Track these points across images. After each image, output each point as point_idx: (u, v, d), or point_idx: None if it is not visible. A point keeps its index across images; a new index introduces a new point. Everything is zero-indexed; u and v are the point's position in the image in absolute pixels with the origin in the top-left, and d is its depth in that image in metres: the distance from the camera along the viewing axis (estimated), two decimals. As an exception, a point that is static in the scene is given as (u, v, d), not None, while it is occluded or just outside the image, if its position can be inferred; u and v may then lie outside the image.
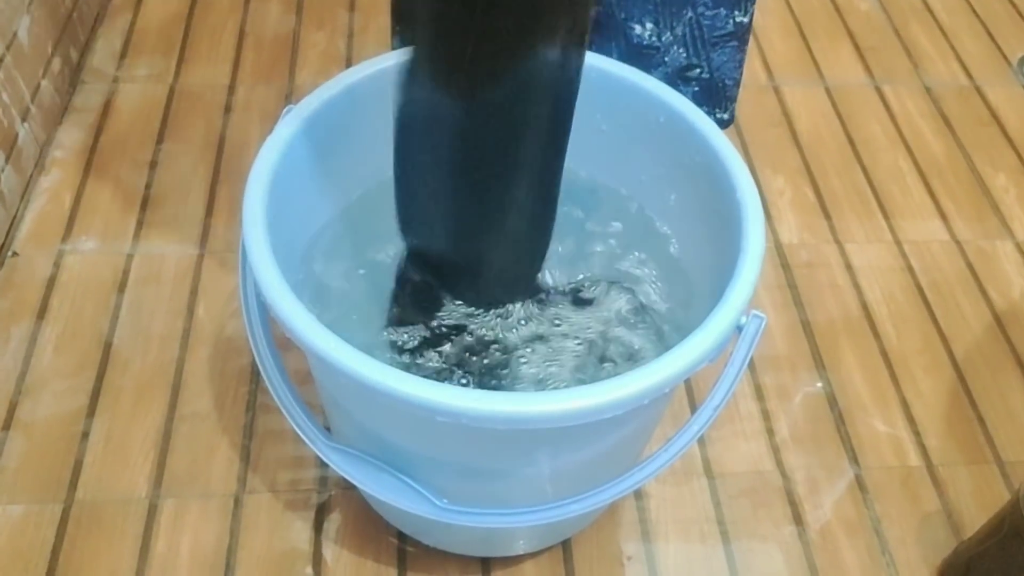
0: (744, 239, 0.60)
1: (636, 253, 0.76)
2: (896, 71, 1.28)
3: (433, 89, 0.58)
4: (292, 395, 0.62)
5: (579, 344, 0.70)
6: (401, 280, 0.72)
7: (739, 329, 0.58)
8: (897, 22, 1.36)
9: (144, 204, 1.02)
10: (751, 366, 0.93)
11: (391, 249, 0.75)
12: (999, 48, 1.34)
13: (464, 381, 0.67)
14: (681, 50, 0.79)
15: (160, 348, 0.89)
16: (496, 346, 0.68)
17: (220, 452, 0.83)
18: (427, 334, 0.68)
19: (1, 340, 0.89)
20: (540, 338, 0.69)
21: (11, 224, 0.98)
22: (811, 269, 1.03)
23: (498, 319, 0.69)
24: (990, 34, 1.36)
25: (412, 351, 0.68)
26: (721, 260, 0.62)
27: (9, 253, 0.96)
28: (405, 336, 0.69)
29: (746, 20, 0.81)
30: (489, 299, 0.69)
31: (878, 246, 1.06)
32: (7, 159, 0.97)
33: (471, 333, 0.68)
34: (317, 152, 0.68)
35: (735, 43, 0.82)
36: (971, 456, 0.88)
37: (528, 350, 0.68)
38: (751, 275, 0.58)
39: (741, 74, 0.85)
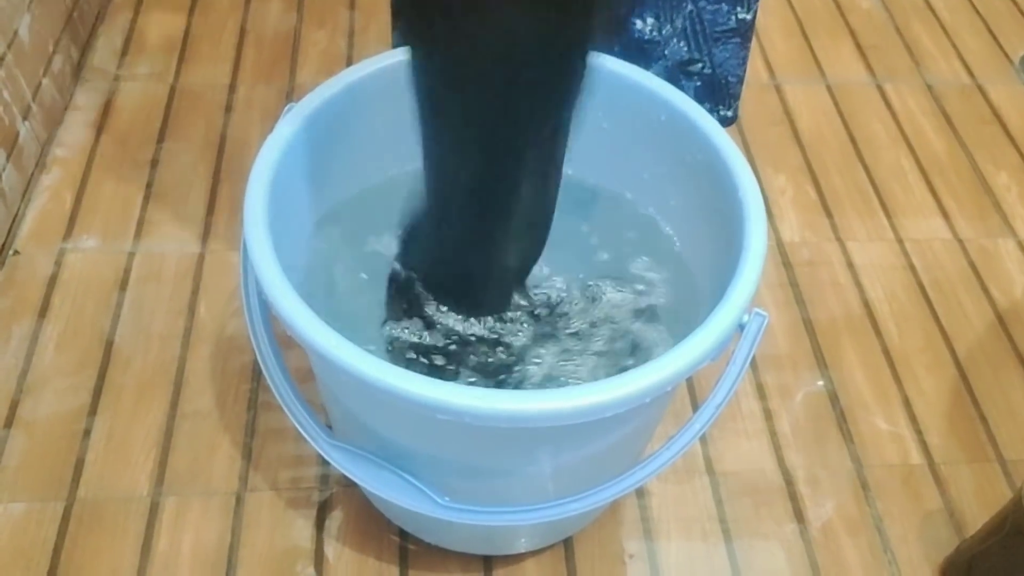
0: (746, 237, 0.60)
1: (637, 251, 0.76)
2: (898, 69, 1.28)
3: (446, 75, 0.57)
4: (293, 393, 0.62)
5: (579, 341, 0.70)
6: (396, 282, 0.72)
7: (741, 327, 0.58)
8: (899, 20, 1.36)
9: (145, 202, 1.02)
10: (753, 365, 0.93)
11: (392, 247, 0.75)
12: (1001, 46, 1.33)
13: (472, 380, 0.67)
14: (682, 44, 0.79)
15: (161, 346, 0.89)
16: (501, 348, 0.68)
17: (222, 450, 0.83)
18: (429, 335, 0.68)
19: (2, 338, 0.89)
20: (545, 338, 0.69)
21: (12, 223, 0.98)
22: (813, 267, 1.03)
23: (499, 322, 0.69)
24: (992, 32, 1.36)
25: (414, 350, 0.68)
26: (723, 258, 0.62)
27: (10, 252, 0.96)
28: (406, 333, 0.69)
29: (749, 17, 0.81)
30: (485, 304, 0.69)
31: (880, 244, 1.06)
32: (8, 157, 0.97)
33: (474, 334, 0.68)
34: (318, 151, 0.68)
35: (738, 40, 0.82)
36: (973, 454, 0.88)
37: (536, 350, 0.68)
38: (753, 273, 0.58)
39: (745, 71, 0.85)
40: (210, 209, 1.02)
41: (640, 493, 0.83)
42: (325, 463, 0.81)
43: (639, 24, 0.78)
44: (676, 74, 0.82)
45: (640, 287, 0.75)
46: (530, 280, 0.71)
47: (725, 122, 0.88)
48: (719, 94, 0.85)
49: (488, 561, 0.78)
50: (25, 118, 1.01)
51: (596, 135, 0.73)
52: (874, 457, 0.87)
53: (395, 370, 0.51)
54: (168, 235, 0.99)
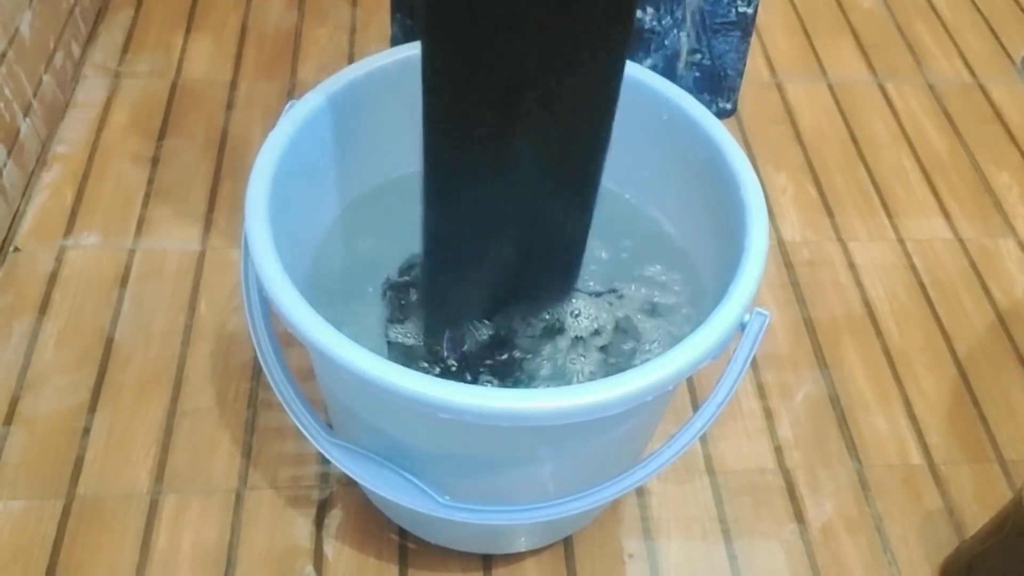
0: (747, 236, 0.60)
1: (637, 250, 0.75)
2: (899, 68, 1.28)
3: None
4: (294, 391, 0.61)
5: (582, 340, 0.70)
6: (396, 286, 0.71)
7: (742, 327, 0.58)
8: (900, 19, 1.36)
9: (146, 200, 1.02)
10: (753, 364, 0.93)
11: (393, 246, 0.75)
12: (1002, 45, 1.33)
13: (489, 380, 0.67)
14: (681, 35, 0.79)
15: (162, 344, 0.89)
16: (511, 347, 0.68)
17: (221, 448, 0.83)
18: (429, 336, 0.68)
19: (3, 335, 0.89)
20: (551, 335, 0.69)
21: (13, 219, 0.98)
22: (813, 267, 1.03)
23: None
24: (993, 31, 1.35)
25: (416, 349, 0.68)
26: (724, 257, 0.62)
27: (11, 248, 0.96)
28: (403, 332, 0.69)
29: (750, 11, 0.80)
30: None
31: (881, 244, 1.06)
32: (9, 154, 0.97)
33: (483, 334, 0.68)
34: (319, 148, 0.67)
35: (738, 33, 0.81)
36: (973, 454, 0.88)
37: (544, 348, 0.68)
38: (754, 272, 0.58)
39: (744, 66, 0.85)
40: (211, 206, 1.02)
41: (640, 492, 0.83)
42: (325, 461, 0.81)
43: (639, 14, 0.77)
44: (674, 65, 0.82)
45: (641, 286, 0.75)
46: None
47: (723, 114, 0.87)
48: (717, 86, 0.85)
49: (488, 560, 0.78)
50: (26, 115, 1.01)
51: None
52: (874, 457, 0.87)
53: (396, 368, 0.51)
54: (169, 232, 0.99)
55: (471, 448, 0.60)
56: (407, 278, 0.71)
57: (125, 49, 1.19)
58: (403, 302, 0.70)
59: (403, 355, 0.68)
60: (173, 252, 0.97)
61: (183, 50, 1.19)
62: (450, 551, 0.77)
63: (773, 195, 1.10)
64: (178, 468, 0.81)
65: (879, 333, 0.97)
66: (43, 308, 0.91)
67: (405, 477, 0.61)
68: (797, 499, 0.84)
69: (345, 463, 0.61)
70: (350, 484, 0.81)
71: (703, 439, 0.87)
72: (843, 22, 1.34)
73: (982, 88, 1.26)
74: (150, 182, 1.04)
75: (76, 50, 1.16)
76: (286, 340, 0.61)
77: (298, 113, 0.65)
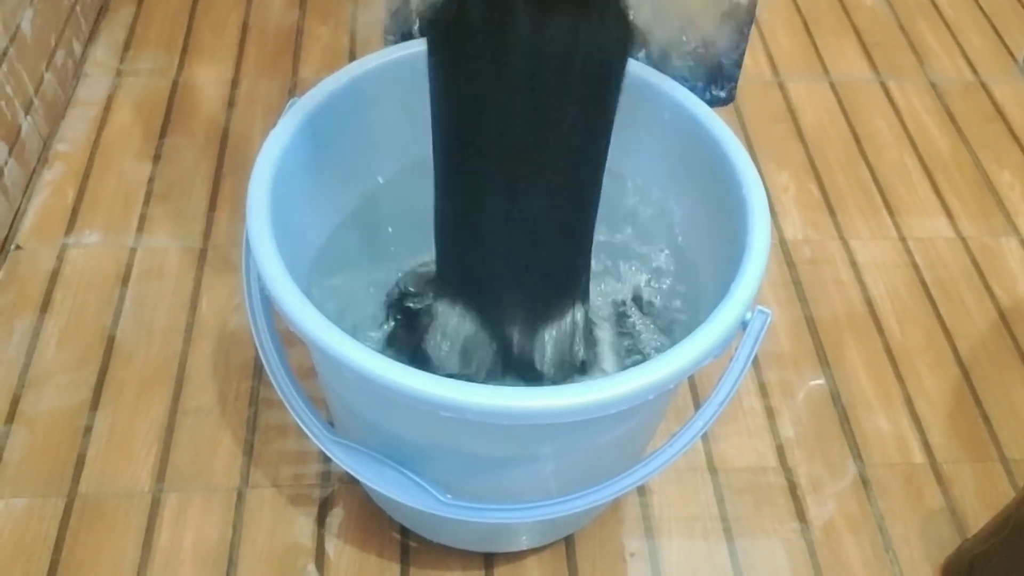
0: (749, 235, 0.60)
1: (639, 248, 0.75)
2: (901, 67, 1.28)
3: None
4: (295, 389, 0.61)
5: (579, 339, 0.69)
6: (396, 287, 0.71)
7: (744, 325, 0.58)
8: (902, 18, 1.36)
9: (147, 198, 1.02)
10: (755, 363, 0.92)
11: (395, 242, 0.75)
12: (1005, 44, 1.33)
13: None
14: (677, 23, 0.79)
15: (163, 342, 0.89)
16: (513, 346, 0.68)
17: (223, 446, 0.83)
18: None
19: (4, 334, 0.89)
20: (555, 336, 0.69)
21: (14, 217, 0.98)
22: (815, 265, 1.02)
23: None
24: (996, 30, 1.35)
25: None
26: (726, 256, 0.62)
27: (12, 247, 0.96)
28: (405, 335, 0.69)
29: (744, 1, 0.80)
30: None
31: (883, 242, 1.06)
32: (10, 152, 0.97)
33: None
34: (321, 146, 0.67)
35: (733, 22, 0.81)
36: (975, 453, 0.88)
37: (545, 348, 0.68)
38: (756, 271, 0.58)
39: (741, 56, 0.85)
40: (212, 204, 1.02)
41: (641, 491, 0.83)
42: (327, 460, 0.81)
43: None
44: (669, 53, 0.82)
45: (643, 284, 0.75)
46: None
47: (718, 102, 0.87)
48: (712, 74, 0.85)
49: (489, 558, 0.78)
50: (27, 113, 1.01)
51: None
52: (876, 456, 0.87)
53: (398, 366, 0.51)
54: (170, 230, 0.99)
55: (473, 446, 0.60)
56: (410, 304, 0.71)
57: (126, 47, 1.19)
58: (403, 325, 0.70)
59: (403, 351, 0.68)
60: (174, 250, 0.97)
61: (184, 48, 1.19)
62: (451, 549, 0.77)
63: (775, 193, 1.09)
64: (180, 466, 0.81)
65: (881, 332, 0.97)
66: (44, 306, 0.91)
67: (407, 475, 0.61)
68: (799, 498, 0.84)
69: (346, 461, 0.61)
70: (351, 482, 0.81)
71: (705, 438, 0.87)
72: (845, 21, 1.34)
73: (984, 87, 1.26)
74: (151, 180, 1.04)
75: (77, 48, 1.15)
76: (287, 338, 0.61)
77: (299, 111, 0.65)
